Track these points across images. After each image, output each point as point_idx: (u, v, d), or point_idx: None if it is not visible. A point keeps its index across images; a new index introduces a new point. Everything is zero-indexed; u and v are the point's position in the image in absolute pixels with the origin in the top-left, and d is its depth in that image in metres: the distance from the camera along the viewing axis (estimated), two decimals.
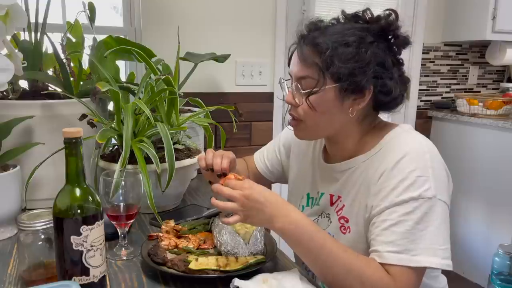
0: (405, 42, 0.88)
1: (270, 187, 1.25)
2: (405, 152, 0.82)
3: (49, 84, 1.19)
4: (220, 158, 0.93)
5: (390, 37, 0.87)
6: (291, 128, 0.95)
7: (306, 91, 0.86)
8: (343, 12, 0.91)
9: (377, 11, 0.89)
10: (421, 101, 2.68)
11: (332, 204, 0.96)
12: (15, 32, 1.13)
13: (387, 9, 0.88)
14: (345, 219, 0.91)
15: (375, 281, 0.75)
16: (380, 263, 0.77)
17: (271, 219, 0.80)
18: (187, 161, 1.12)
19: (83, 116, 1.08)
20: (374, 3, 2.30)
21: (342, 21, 0.90)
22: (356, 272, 0.76)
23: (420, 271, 0.78)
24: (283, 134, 1.20)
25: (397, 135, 0.88)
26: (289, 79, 0.94)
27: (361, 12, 0.89)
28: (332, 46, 0.82)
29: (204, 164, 0.95)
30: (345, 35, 0.83)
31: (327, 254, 0.77)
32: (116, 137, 1.08)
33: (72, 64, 1.24)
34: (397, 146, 0.85)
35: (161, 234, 0.93)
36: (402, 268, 0.76)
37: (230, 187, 0.83)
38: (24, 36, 1.17)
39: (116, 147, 1.17)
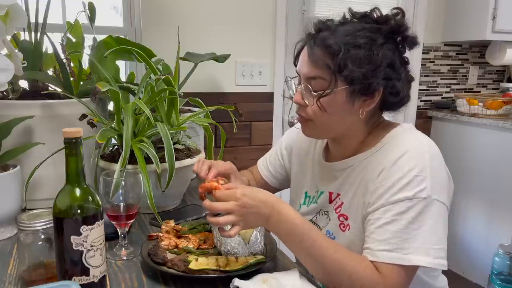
0: (413, 42, 0.88)
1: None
2: (405, 150, 0.82)
3: (49, 84, 1.19)
4: (207, 166, 0.94)
5: (398, 37, 0.87)
6: (298, 127, 0.95)
7: (318, 92, 0.86)
8: (350, 10, 0.90)
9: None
10: (421, 101, 2.68)
11: (331, 201, 0.96)
12: (15, 32, 1.13)
13: (394, 8, 0.88)
14: (345, 217, 0.91)
15: (365, 279, 0.76)
16: (371, 261, 0.78)
17: (267, 219, 0.80)
18: (187, 161, 1.12)
19: (83, 116, 1.08)
20: (375, 3, 2.30)
21: (350, 20, 0.89)
22: (346, 270, 0.77)
23: (411, 270, 0.78)
24: (284, 138, 1.20)
25: (398, 134, 0.88)
26: (296, 77, 0.94)
27: (369, 12, 0.89)
28: (345, 49, 0.81)
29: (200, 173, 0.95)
30: (357, 37, 0.83)
31: (318, 253, 0.78)
32: (116, 137, 1.08)
33: (72, 64, 1.24)
34: (397, 144, 0.85)
35: (161, 234, 0.93)
36: (393, 266, 0.76)
37: (222, 199, 0.80)
38: (24, 36, 1.17)
39: (116, 147, 1.17)
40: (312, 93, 0.86)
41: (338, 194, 0.94)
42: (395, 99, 0.88)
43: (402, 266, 0.76)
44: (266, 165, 1.21)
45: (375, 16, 0.88)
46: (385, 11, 0.89)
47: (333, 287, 0.80)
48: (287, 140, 1.17)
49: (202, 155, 1.19)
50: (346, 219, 0.91)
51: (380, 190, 0.82)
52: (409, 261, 0.76)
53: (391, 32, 0.86)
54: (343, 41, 0.82)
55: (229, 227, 0.80)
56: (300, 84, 0.90)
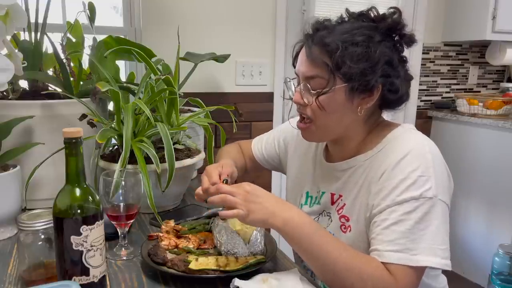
0: (411, 40, 0.89)
1: (270, 178, 1.20)
2: (406, 151, 0.82)
3: (49, 84, 1.19)
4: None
5: (395, 36, 0.88)
6: (295, 127, 0.95)
7: (316, 91, 0.86)
8: (347, 10, 0.91)
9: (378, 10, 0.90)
10: (421, 101, 2.68)
11: (333, 203, 0.96)
12: (15, 32, 1.13)
13: (391, 7, 0.88)
14: (346, 218, 0.91)
15: (376, 279, 0.75)
16: (380, 262, 0.78)
17: (272, 214, 0.80)
18: (187, 161, 1.12)
19: (83, 116, 1.08)
20: (375, 3, 2.31)
21: (347, 19, 0.90)
22: (357, 270, 0.76)
23: (420, 270, 0.78)
24: (284, 130, 1.19)
25: (399, 135, 0.88)
26: (295, 78, 0.94)
27: (366, 11, 0.89)
28: (342, 46, 0.82)
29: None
30: (354, 35, 0.83)
31: (327, 252, 0.77)
32: (116, 137, 1.08)
33: (72, 64, 1.24)
34: (398, 145, 0.85)
35: (161, 234, 0.93)
36: (403, 267, 0.76)
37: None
38: (24, 36, 1.17)
39: (116, 147, 1.17)
40: (311, 91, 0.87)
41: (340, 196, 0.94)
42: (394, 97, 0.88)
43: (412, 267, 0.76)
44: (261, 149, 1.22)
45: (372, 15, 0.89)
46: (385, 11, 0.89)
47: None
48: (286, 133, 1.17)
49: (202, 155, 1.19)
50: (348, 220, 0.91)
51: (384, 192, 0.81)
52: (417, 262, 0.76)
53: (389, 30, 0.87)
54: (340, 39, 0.83)
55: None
56: (299, 84, 0.90)
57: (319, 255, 0.78)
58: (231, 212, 0.80)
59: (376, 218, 0.82)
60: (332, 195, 0.96)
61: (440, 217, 0.78)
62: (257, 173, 1.21)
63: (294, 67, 0.94)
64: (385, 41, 0.85)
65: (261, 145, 1.23)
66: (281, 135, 1.19)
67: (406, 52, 0.91)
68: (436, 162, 0.81)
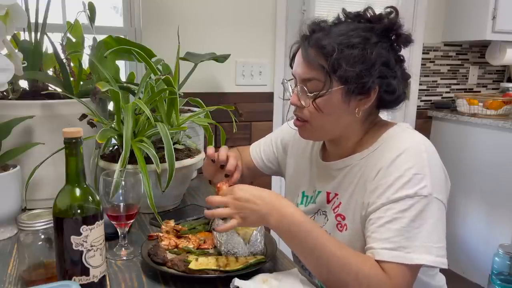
0: (407, 40, 0.88)
1: (270, 179, 1.21)
2: (402, 150, 0.82)
3: (49, 84, 1.19)
4: (235, 160, 0.97)
5: (392, 35, 0.88)
6: (295, 128, 0.95)
7: (313, 93, 0.86)
8: (344, 10, 0.91)
9: (377, 10, 0.89)
10: (421, 101, 2.68)
11: (328, 201, 0.96)
12: (15, 32, 1.13)
13: (388, 7, 0.88)
14: (342, 217, 0.91)
15: (371, 278, 0.75)
16: (375, 260, 0.78)
17: (265, 216, 0.80)
18: (187, 161, 1.12)
19: (83, 116, 1.08)
20: (375, 2, 2.30)
21: (344, 20, 0.90)
22: (352, 269, 0.76)
23: (415, 268, 0.78)
24: (282, 131, 1.19)
25: (395, 134, 0.88)
26: (292, 79, 0.94)
27: (363, 11, 0.89)
28: (338, 49, 0.82)
29: (214, 156, 0.98)
30: (350, 37, 0.83)
31: (322, 250, 0.78)
32: (116, 137, 1.08)
33: (72, 64, 1.24)
34: (394, 144, 0.85)
35: (161, 234, 0.93)
36: (397, 265, 0.76)
37: (221, 194, 0.85)
38: (24, 36, 1.17)
39: (116, 147, 1.17)
40: (308, 94, 0.87)
41: (336, 194, 0.94)
42: (391, 97, 0.88)
43: (406, 265, 0.76)
44: (259, 152, 1.22)
45: (369, 15, 0.88)
46: (382, 10, 0.89)
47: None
48: (284, 134, 1.17)
49: (202, 155, 1.19)
50: (343, 219, 0.91)
51: (379, 190, 0.82)
52: (411, 260, 0.76)
53: (385, 31, 0.86)
54: (336, 41, 0.83)
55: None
56: (296, 86, 0.90)
57: (313, 253, 0.79)
58: (224, 227, 0.82)
59: (371, 216, 0.82)
60: (328, 193, 0.96)
61: (436, 215, 0.78)
62: (254, 178, 1.21)
63: (292, 68, 0.94)
64: (382, 42, 0.85)
65: (259, 148, 1.22)
66: (278, 136, 1.19)
67: (406, 52, 0.90)
68: (432, 161, 0.81)
